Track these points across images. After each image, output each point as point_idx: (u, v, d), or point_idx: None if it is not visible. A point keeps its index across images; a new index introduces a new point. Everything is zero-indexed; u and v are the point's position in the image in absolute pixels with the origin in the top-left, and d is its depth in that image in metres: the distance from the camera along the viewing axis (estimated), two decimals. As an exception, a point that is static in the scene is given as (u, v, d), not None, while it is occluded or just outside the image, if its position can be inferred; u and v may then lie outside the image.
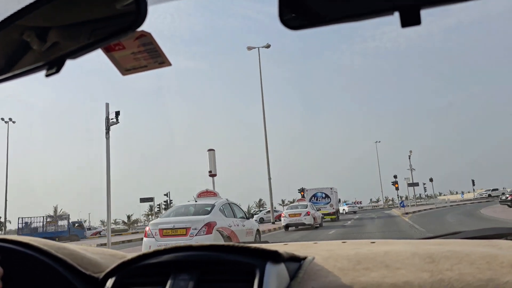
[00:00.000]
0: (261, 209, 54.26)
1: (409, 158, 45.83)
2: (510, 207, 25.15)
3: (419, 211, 33.71)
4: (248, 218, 11.00)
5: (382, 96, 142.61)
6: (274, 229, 22.65)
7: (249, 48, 29.05)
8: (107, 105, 12.91)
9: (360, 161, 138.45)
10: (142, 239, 9.43)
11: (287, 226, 21.43)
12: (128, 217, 73.36)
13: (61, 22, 0.62)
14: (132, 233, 40.67)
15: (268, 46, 29.04)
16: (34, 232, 31.93)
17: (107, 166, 13.86)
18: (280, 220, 23.58)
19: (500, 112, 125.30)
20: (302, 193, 31.27)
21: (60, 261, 0.85)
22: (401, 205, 32.69)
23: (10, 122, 37.20)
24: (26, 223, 33.25)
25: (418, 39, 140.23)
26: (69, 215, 38.09)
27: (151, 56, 0.69)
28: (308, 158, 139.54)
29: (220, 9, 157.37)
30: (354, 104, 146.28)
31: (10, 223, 45.22)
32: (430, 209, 37.22)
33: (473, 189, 60.65)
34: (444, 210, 32.48)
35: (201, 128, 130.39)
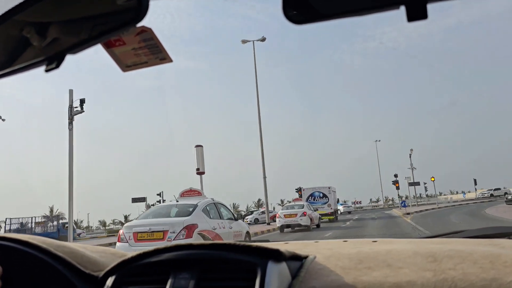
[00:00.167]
0: (260, 209, 53.16)
1: (410, 157, 44.67)
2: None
3: (420, 211, 32.50)
4: (236, 220, 10.11)
5: (382, 95, 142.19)
6: (268, 231, 21.48)
7: (244, 42, 27.92)
8: (70, 92, 11.64)
9: (360, 160, 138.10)
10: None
11: (282, 227, 20.25)
12: (125, 217, 72.40)
13: (62, 17, 0.60)
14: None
15: (263, 40, 27.90)
16: (21, 233, 30.63)
17: (70, 159, 12.67)
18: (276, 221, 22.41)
19: (501, 111, 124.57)
20: (299, 192, 30.00)
21: (60, 260, 0.84)
22: (402, 205, 31.35)
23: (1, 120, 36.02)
24: (13, 224, 32.17)
25: (418, 39, 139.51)
26: (58, 215, 36.99)
27: (152, 52, 0.68)
28: (308, 158, 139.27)
29: (220, 9, 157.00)
30: (354, 104, 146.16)
31: (1, 227, 43.69)
32: (432, 209, 36.02)
33: (475, 189, 59.51)
34: (447, 210, 31.33)
35: (201, 128, 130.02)
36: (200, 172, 15.75)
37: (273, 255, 0.71)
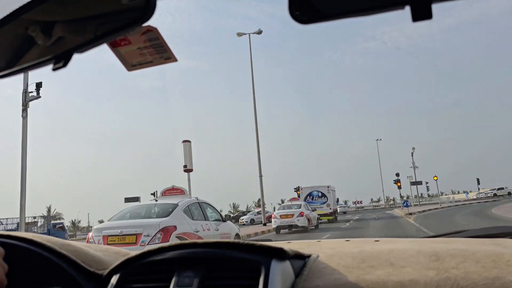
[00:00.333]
0: (255, 209, 52.09)
1: (412, 156, 43.42)
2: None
3: (423, 211, 31.34)
4: (224, 221, 9.32)
5: (382, 95, 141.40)
6: (262, 232, 20.31)
7: (239, 35, 26.83)
8: (25, 76, 10.49)
9: (361, 160, 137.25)
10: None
11: (278, 229, 19.09)
12: (122, 217, 71.14)
13: (68, 16, 0.61)
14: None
15: (259, 32, 26.82)
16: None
17: (23, 150, 11.56)
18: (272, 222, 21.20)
19: (502, 111, 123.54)
20: (298, 192, 28.84)
21: (64, 258, 0.84)
22: (405, 205, 30.01)
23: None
24: (1, 224, 31.10)
25: (419, 39, 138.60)
26: (55, 215, 35.96)
27: (157, 51, 0.68)
28: (309, 157, 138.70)
29: (220, 9, 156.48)
30: (355, 103, 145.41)
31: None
32: (435, 209, 34.86)
33: (478, 188, 58.37)
34: (451, 211, 30.15)
35: (201, 128, 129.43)
36: (187, 170, 14.63)
37: (277, 253, 0.71)
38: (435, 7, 0.44)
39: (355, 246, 0.86)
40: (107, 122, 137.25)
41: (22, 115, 10.76)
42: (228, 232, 9.10)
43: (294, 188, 29.34)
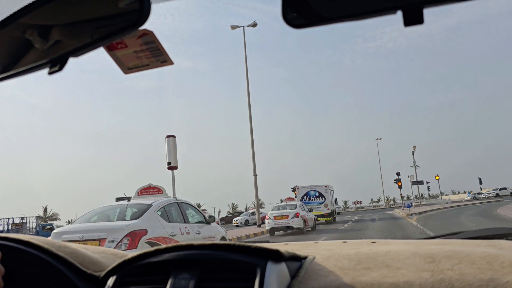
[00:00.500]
0: (259, 209, 50.92)
1: (413, 154, 42.21)
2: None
3: (425, 211, 30.05)
4: (208, 223, 8.55)
5: (383, 94, 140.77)
6: (255, 234, 19.05)
7: (233, 27, 25.67)
8: None
9: (361, 160, 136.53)
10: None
11: (272, 230, 17.94)
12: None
13: (65, 20, 0.62)
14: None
15: (254, 25, 25.66)
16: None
17: None
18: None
19: (504, 110, 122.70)
20: (295, 192, 27.62)
21: (61, 260, 0.84)
22: (407, 205, 28.52)
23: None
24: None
25: (419, 38, 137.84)
26: (45, 215, 34.84)
27: (154, 54, 0.69)
28: (309, 157, 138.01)
29: (220, 9, 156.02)
30: (355, 102, 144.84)
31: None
32: (438, 209, 33.62)
33: (480, 188, 57.24)
34: (454, 211, 28.91)
35: (201, 128, 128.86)
36: (172, 167, 13.37)
37: (273, 255, 0.71)
38: (428, 11, 0.45)
39: (351, 247, 0.86)
40: (105, 122, 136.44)
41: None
42: (211, 235, 8.33)
43: (292, 188, 28.00)
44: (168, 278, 0.74)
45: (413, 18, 0.45)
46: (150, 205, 7.07)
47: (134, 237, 6.15)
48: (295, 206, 18.37)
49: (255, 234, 19.01)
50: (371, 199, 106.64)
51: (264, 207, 61.13)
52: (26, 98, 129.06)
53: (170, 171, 13.62)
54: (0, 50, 0.65)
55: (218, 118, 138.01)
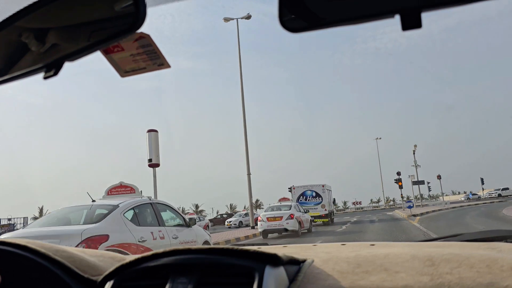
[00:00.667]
0: (260, 210, 49.71)
1: (414, 153, 41.04)
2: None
3: (427, 212, 28.84)
4: (189, 226, 7.76)
5: (383, 94, 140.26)
6: (246, 237, 17.82)
7: (226, 20, 24.54)
8: None
9: (361, 160, 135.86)
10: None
11: (265, 233, 16.75)
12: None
13: (60, 24, 0.62)
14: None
15: (248, 17, 24.52)
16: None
17: None
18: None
19: (506, 109, 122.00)
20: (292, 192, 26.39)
21: (58, 264, 0.84)
22: (408, 206, 27.22)
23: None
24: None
25: (419, 38, 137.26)
26: (32, 217, 33.69)
27: (150, 58, 0.69)
28: (309, 157, 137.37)
29: (220, 9, 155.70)
30: (355, 102, 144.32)
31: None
32: (440, 210, 32.47)
33: (482, 188, 56.05)
34: (457, 212, 27.74)
35: (201, 128, 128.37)
36: (153, 164, 12.26)
37: (271, 259, 0.71)
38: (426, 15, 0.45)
39: (350, 250, 0.85)
40: (102, 121, 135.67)
41: None
42: (192, 239, 7.52)
43: (288, 188, 26.76)
44: (166, 282, 0.74)
45: (411, 22, 0.45)
46: (116, 206, 6.28)
47: (91, 243, 5.40)
48: (290, 207, 17.18)
49: (247, 237, 17.78)
50: (371, 200, 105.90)
51: (262, 208, 60.14)
52: (24, 97, 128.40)
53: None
54: None
55: (218, 119, 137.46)
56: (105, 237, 5.64)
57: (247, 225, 32.30)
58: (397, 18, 0.46)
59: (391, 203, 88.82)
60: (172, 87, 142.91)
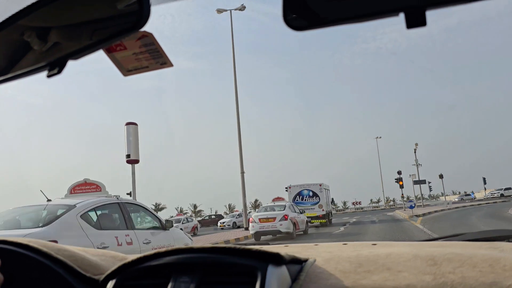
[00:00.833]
0: (256, 210, 48.71)
1: (415, 152, 39.95)
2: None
3: (429, 213, 27.68)
4: (165, 229, 6.86)
5: (383, 93, 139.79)
6: (237, 240, 16.67)
7: (219, 11, 23.50)
8: None
9: (361, 160, 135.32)
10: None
11: (257, 235, 15.66)
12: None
13: (63, 22, 0.62)
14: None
15: (242, 8, 23.50)
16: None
17: None
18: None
19: (507, 110, 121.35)
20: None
21: (60, 263, 0.84)
22: (410, 207, 25.92)
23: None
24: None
25: (420, 38, 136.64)
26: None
27: (153, 56, 0.69)
28: (308, 157, 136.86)
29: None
30: (355, 102, 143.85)
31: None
32: (442, 210, 31.32)
33: (484, 188, 55.00)
34: (461, 212, 26.65)
35: (200, 128, 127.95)
36: (131, 160, 11.17)
37: (273, 258, 0.71)
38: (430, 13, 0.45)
39: (352, 249, 0.85)
40: (102, 120, 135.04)
41: None
42: (168, 244, 6.63)
43: (285, 188, 25.58)
44: (168, 281, 0.74)
45: (415, 20, 0.45)
46: (72, 207, 5.45)
47: None
48: (284, 207, 16.09)
49: (237, 240, 16.66)
50: (371, 200, 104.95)
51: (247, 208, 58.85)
52: (24, 97, 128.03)
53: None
54: None
55: (218, 118, 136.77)
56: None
57: (239, 227, 31.19)
58: (401, 16, 0.45)
59: (391, 203, 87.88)
60: (172, 87, 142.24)
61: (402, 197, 35.26)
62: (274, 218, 15.25)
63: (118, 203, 6.29)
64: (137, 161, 11.21)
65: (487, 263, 0.66)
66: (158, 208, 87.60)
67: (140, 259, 0.78)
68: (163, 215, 61.02)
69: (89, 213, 5.66)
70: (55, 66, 0.58)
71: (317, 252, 0.84)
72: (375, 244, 0.92)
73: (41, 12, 0.58)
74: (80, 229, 5.30)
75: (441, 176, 36.95)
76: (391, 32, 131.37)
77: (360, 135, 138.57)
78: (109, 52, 0.67)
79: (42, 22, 0.60)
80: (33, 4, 0.58)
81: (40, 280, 0.83)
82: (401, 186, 32.35)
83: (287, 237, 15.18)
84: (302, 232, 16.86)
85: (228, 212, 78.17)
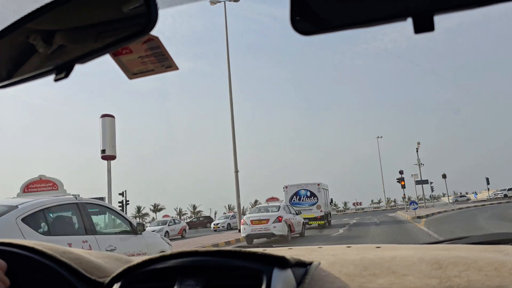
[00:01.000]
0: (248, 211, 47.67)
1: (417, 151, 38.81)
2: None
3: (432, 214, 26.57)
4: (137, 233, 6.08)
5: (383, 93, 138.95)
6: (227, 243, 15.59)
7: (212, 3, 22.48)
8: None
9: (361, 160, 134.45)
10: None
11: (249, 238, 14.51)
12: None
13: (71, 26, 0.62)
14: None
15: (236, 0, 22.48)
16: None
17: None
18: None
19: (509, 110, 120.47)
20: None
21: (65, 266, 0.83)
22: (413, 208, 24.79)
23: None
24: None
25: (420, 39, 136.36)
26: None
27: (158, 60, 0.69)
28: (309, 157, 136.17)
29: (220, 10, 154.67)
30: (355, 102, 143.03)
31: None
32: (445, 211, 30.19)
33: (488, 188, 53.82)
34: (465, 213, 25.51)
35: (200, 128, 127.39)
36: (107, 156, 10.07)
37: (279, 262, 0.71)
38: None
39: (356, 253, 0.85)
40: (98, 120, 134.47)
41: None
42: (139, 250, 5.89)
43: (283, 187, 24.45)
44: (173, 284, 0.73)
45: (423, 26, 0.45)
46: (12, 208, 4.57)
47: None
48: (278, 208, 14.94)
49: (228, 243, 15.54)
50: (372, 200, 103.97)
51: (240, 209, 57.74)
52: (24, 98, 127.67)
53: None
54: (6, 56, 0.64)
55: (218, 118, 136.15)
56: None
57: (233, 228, 29.96)
58: (409, 21, 0.45)
59: (392, 204, 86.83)
60: (173, 88, 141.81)
61: (404, 197, 34.15)
62: (267, 220, 14.13)
63: (76, 203, 5.33)
64: (113, 157, 10.12)
65: (493, 267, 0.66)
66: (157, 208, 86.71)
67: (145, 262, 0.77)
68: (162, 215, 59.82)
69: (35, 215, 4.67)
70: (62, 70, 0.58)
71: (321, 255, 0.84)
72: (379, 247, 0.91)
73: (49, 15, 0.58)
74: (21, 235, 4.38)
75: (444, 176, 35.83)
76: (392, 33, 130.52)
77: (361, 135, 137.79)
78: (115, 55, 0.67)
79: (50, 25, 0.60)
80: (41, 7, 0.58)
81: (45, 282, 0.82)
82: (403, 186, 31.22)
83: (281, 241, 14.08)
84: (298, 235, 15.75)
85: (226, 213, 77.13)
